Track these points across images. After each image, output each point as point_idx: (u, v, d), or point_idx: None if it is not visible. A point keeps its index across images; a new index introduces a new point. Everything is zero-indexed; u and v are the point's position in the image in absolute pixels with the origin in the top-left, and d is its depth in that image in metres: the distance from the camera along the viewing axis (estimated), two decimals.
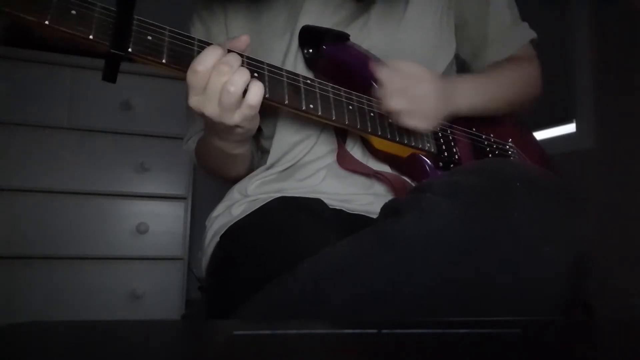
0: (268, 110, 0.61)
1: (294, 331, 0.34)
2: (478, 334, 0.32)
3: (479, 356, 0.28)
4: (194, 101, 0.56)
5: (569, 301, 0.46)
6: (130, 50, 0.52)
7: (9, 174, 1.58)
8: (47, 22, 0.48)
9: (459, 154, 0.77)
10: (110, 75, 0.54)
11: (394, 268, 0.45)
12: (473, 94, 0.75)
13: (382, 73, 0.65)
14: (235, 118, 0.57)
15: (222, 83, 0.55)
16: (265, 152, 0.80)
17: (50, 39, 1.71)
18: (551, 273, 0.45)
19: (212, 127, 0.63)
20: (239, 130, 0.61)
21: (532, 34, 0.87)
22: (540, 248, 0.44)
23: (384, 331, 0.32)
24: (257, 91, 0.57)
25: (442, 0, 0.80)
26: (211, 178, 0.85)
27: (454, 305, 0.44)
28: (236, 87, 0.55)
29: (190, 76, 0.55)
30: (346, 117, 0.66)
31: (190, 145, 0.84)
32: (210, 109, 0.56)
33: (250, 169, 0.80)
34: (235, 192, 0.75)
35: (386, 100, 0.65)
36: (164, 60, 0.55)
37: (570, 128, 1.70)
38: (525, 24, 0.88)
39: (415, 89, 0.65)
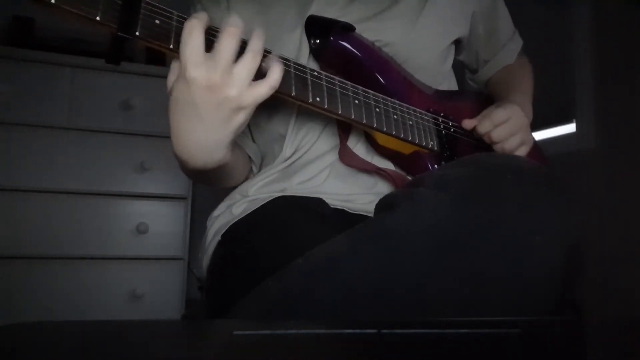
0: (270, 102, 0.59)
1: (294, 331, 0.34)
2: (478, 334, 0.32)
3: (479, 356, 0.28)
4: (199, 71, 0.50)
5: (562, 293, 0.46)
6: (137, 34, 0.51)
7: (9, 174, 1.59)
8: (53, 1, 0.46)
9: (460, 151, 0.77)
10: (114, 58, 0.52)
11: (387, 262, 0.45)
12: (529, 108, 0.84)
13: (493, 121, 0.73)
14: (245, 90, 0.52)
15: (236, 45, 0.51)
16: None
17: (50, 39, 1.71)
18: (543, 263, 0.45)
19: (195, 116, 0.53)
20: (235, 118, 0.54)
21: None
22: (531, 238, 0.44)
23: (384, 331, 0.32)
24: (277, 68, 0.54)
25: (455, 10, 0.82)
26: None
27: (447, 298, 0.44)
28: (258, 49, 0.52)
29: (195, 38, 0.49)
30: (352, 111, 0.65)
31: None
32: (219, 77, 0.50)
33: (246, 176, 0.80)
34: (236, 193, 0.75)
35: (503, 139, 0.73)
36: (171, 46, 0.53)
37: (570, 128, 1.70)
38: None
39: (526, 133, 0.76)
